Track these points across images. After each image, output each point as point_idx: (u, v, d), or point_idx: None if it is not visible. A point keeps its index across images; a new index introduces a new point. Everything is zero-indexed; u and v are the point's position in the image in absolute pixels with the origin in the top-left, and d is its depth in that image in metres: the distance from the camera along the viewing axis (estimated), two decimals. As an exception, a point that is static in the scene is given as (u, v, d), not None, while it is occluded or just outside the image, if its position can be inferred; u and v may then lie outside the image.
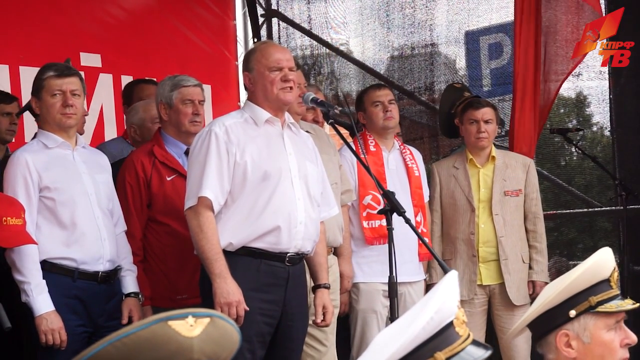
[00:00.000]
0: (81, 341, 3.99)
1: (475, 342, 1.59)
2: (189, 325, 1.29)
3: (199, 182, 3.91)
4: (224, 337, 1.34)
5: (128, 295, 4.20)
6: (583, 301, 2.44)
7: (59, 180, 4.02)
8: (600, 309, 2.44)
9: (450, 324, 1.55)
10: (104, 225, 4.10)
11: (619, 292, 2.50)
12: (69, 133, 4.13)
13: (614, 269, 2.50)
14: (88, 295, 4.05)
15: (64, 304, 3.97)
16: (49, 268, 3.96)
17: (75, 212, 4.02)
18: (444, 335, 1.54)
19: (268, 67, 4.02)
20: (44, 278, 3.93)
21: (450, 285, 1.57)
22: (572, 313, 2.44)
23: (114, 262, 4.14)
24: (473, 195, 5.25)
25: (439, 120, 6.24)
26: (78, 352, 1.34)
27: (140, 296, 4.24)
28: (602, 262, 2.48)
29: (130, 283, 4.22)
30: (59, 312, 3.93)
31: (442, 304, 1.53)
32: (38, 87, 4.08)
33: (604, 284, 2.47)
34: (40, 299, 3.89)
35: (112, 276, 4.14)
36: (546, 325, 2.48)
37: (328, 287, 4.23)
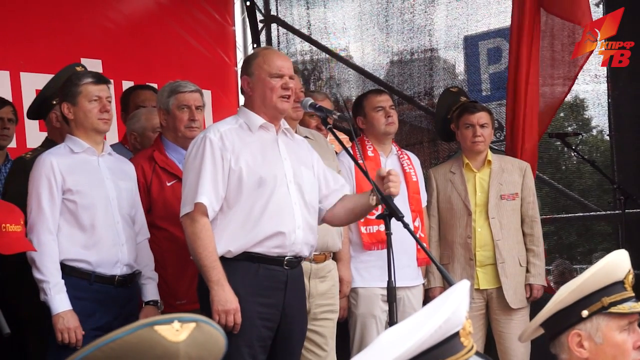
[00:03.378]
0: (96, 344, 4.01)
1: (478, 354, 1.58)
2: (175, 330, 1.29)
3: (195, 188, 3.91)
4: (210, 342, 1.34)
5: (147, 303, 4.24)
6: (596, 302, 2.45)
7: (82, 183, 4.08)
8: (612, 309, 2.44)
9: (457, 333, 1.54)
10: (123, 231, 4.15)
11: (633, 294, 2.50)
12: (97, 139, 4.20)
13: (629, 271, 2.49)
14: (104, 299, 4.08)
15: (80, 307, 4.00)
16: (68, 272, 4.00)
17: (96, 216, 4.07)
18: (448, 345, 1.53)
19: (270, 74, 4.02)
20: None
21: (461, 295, 1.56)
22: (585, 313, 2.44)
23: (131, 267, 4.17)
24: (469, 199, 5.23)
25: (436, 124, 6.23)
26: None
27: (159, 304, 4.27)
28: (616, 263, 2.47)
29: (150, 291, 4.25)
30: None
31: (452, 313, 1.52)
32: (74, 92, 4.14)
33: (618, 285, 2.47)
34: (58, 298, 3.94)
35: (130, 280, 4.17)
36: (559, 324, 2.49)
37: None
